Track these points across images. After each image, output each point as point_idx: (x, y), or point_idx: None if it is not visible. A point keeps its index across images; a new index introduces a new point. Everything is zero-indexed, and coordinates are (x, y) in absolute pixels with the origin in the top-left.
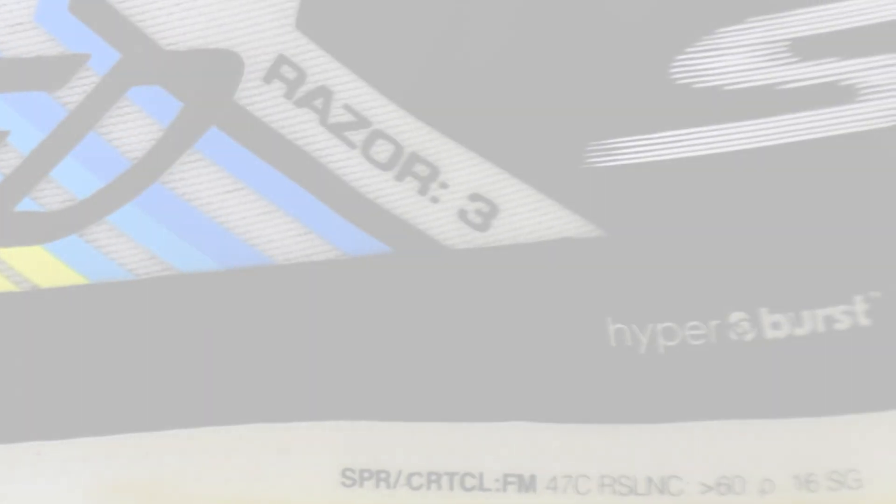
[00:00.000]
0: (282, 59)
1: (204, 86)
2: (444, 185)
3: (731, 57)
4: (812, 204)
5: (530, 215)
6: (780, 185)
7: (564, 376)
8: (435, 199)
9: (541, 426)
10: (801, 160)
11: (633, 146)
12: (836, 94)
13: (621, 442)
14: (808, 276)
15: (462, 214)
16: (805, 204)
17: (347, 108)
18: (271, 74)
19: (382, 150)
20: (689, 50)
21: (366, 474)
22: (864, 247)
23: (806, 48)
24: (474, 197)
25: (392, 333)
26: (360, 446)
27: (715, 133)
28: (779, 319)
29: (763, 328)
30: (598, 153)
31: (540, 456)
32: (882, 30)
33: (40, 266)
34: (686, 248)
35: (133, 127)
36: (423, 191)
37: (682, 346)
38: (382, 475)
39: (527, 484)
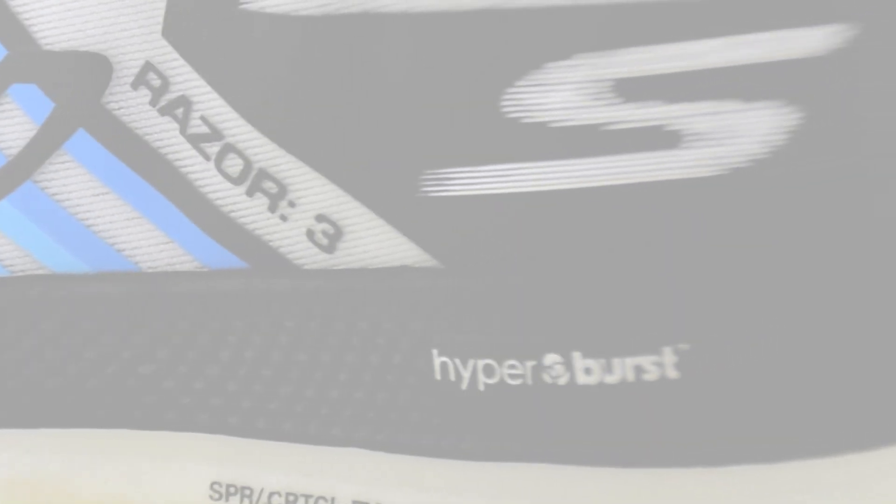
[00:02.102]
0: (148, 66)
1: (75, 88)
2: (292, 204)
3: (558, 94)
4: (630, 248)
5: (372, 241)
6: (600, 227)
7: (393, 406)
8: (284, 218)
9: (379, 455)
10: (623, 204)
11: (465, 177)
12: (660, 138)
13: (447, 477)
14: (622, 323)
15: (310, 234)
16: (623, 248)
17: (204, 119)
18: (138, 81)
19: (234, 165)
20: (518, 84)
21: (231, 489)
22: (678, 296)
23: (631, 89)
24: (320, 218)
25: (245, 349)
26: (229, 461)
27: (540, 170)
28: (591, 365)
29: (576, 373)
30: (433, 182)
31: (382, 484)
32: (708, 76)
33: None
34: (510, 284)
35: (11, 124)
36: (272, 208)
37: (500, 384)
38: (246, 492)
39: None
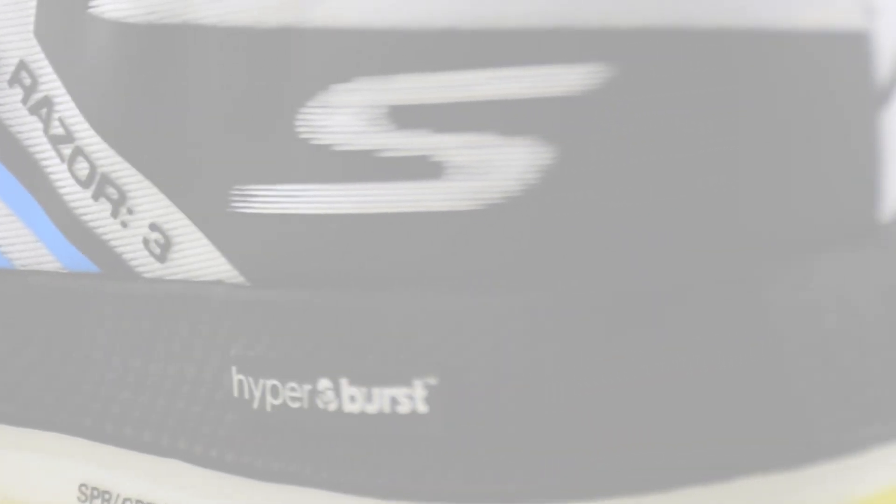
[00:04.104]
0: (22, 65)
1: None
2: (130, 211)
3: (340, 117)
4: (391, 277)
5: (195, 253)
6: (370, 254)
7: (205, 420)
8: (125, 224)
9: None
10: (389, 232)
11: (265, 195)
12: (425, 169)
13: (257, 499)
14: (380, 352)
15: (146, 243)
16: (386, 277)
17: (61, 121)
18: (14, 78)
19: (82, 168)
20: (309, 104)
21: (95, 492)
22: (429, 329)
23: (403, 117)
24: (153, 227)
25: (93, 352)
26: (97, 463)
27: (324, 193)
28: (355, 393)
29: (343, 400)
30: (239, 198)
31: (209, 499)
32: (472, 108)
33: None
34: (293, 305)
35: None
36: (114, 214)
37: (283, 406)
38: (106, 496)
39: None
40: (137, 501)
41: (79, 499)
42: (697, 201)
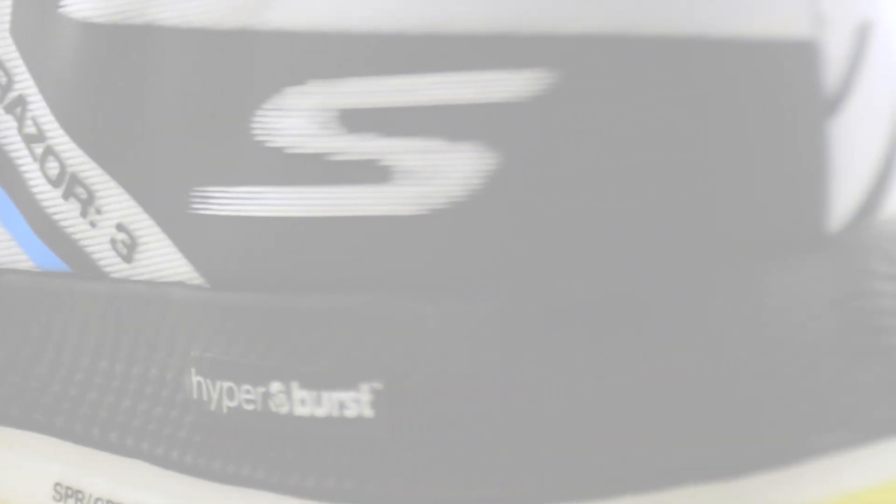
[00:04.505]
0: None
1: None
2: (99, 211)
3: (293, 119)
4: (342, 282)
5: (159, 254)
6: (322, 258)
7: (166, 421)
8: (93, 224)
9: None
10: (339, 236)
11: (223, 197)
12: (374, 173)
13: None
14: (329, 356)
15: (113, 243)
16: (336, 281)
17: (33, 120)
18: None
19: (53, 168)
20: (264, 106)
21: (69, 491)
22: (376, 333)
23: (353, 121)
24: (120, 227)
25: (63, 353)
26: (71, 463)
27: (277, 196)
28: (305, 396)
29: (294, 403)
30: (199, 200)
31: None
32: (420, 113)
33: None
34: (248, 307)
35: None
36: (83, 213)
37: (238, 408)
38: (79, 496)
39: None
40: (108, 501)
41: (54, 498)
42: (640, 207)
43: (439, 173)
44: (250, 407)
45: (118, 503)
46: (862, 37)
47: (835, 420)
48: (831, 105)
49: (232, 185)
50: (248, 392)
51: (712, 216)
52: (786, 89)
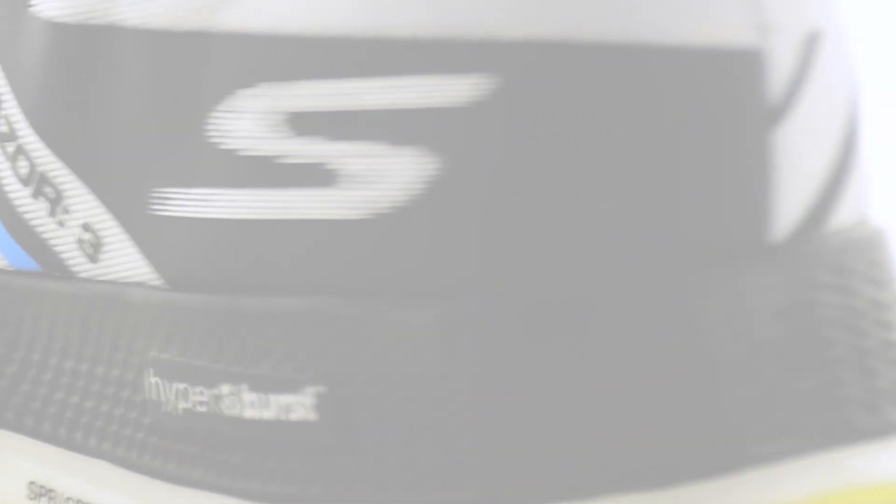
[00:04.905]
0: None
1: None
2: (66, 211)
3: (244, 122)
4: (290, 286)
5: (122, 255)
6: (276, 261)
7: (126, 422)
8: (61, 224)
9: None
10: (286, 239)
11: (180, 198)
12: (320, 176)
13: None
14: (276, 358)
15: (80, 243)
16: (282, 284)
17: (6, 119)
18: None
19: (23, 166)
20: (218, 108)
21: (42, 490)
22: (319, 337)
23: (300, 124)
24: (86, 227)
25: (32, 353)
26: (46, 462)
27: (228, 198)
28: (254, 399)
29: (244, 405)
30: (158, 201)
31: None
32: (364, 117)
33: None
34: (202, 309)
35: None
36: (52, 213)
37: (191, 410)
38: (52, 495)
39: None
40: (78, 501)
41: (28, 496)
42: (578, 214)
43: (383, 178)
44: (203, 409)
45: (88, 503)
46: (810, 46)
47: (776, 430)
48: (776, 114)
49: (189, 186)
50: (200, 394)
51: (651, 223)
52: (728, 98)
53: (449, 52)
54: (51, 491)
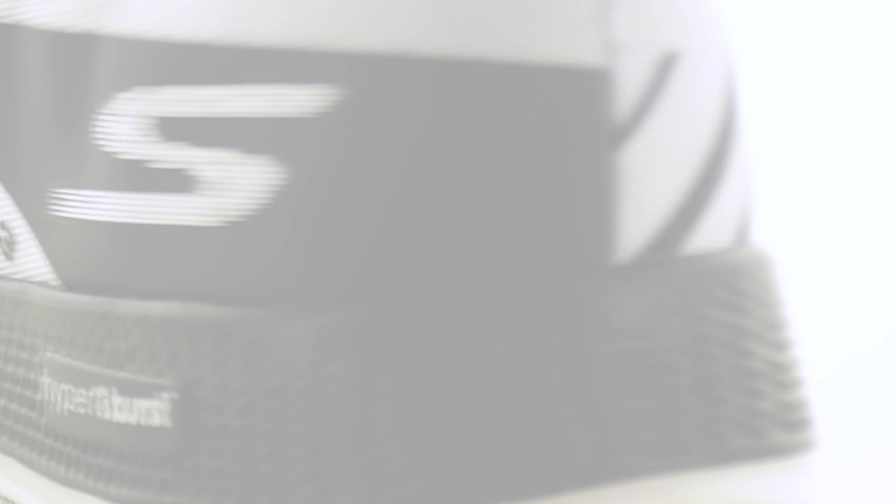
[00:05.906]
0: None
1: None
2: None
3: (122, 125)
4: (160, 290)
5: (30, 253)
6: (142, 266)
7: (30, 425)
8: None
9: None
10: (150, 245)
11: (71, 199)
12: (181, 182)
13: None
14: (138, 362)
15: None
16: (147, 286)
17: None
18: None
19: None
20: (102, 111)
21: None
22: (175, 338)
23: (167, 129)
24: (2, 225)
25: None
26: (10, 470)
27: (108, 200)
28: (122, 403)
29: (114, 409)
30: (55, 202)
31: None
32: (221, 124)
33: None
34: (89, 310)
35: None
36: None
37: (74, 412)
38: None
39: None
40: (4, 498)
41: None
42: (419, 226)
43: (235, 185)
44: (82, 411)
45: (10, 499)
46: (665, 66)
47: (648, 446)
48: (621, 134)
49: (78, 187)
50: (81, 396)
51: (494, 238)
52: (569, 116)
53: (297, 61)
54: (10, 502)
